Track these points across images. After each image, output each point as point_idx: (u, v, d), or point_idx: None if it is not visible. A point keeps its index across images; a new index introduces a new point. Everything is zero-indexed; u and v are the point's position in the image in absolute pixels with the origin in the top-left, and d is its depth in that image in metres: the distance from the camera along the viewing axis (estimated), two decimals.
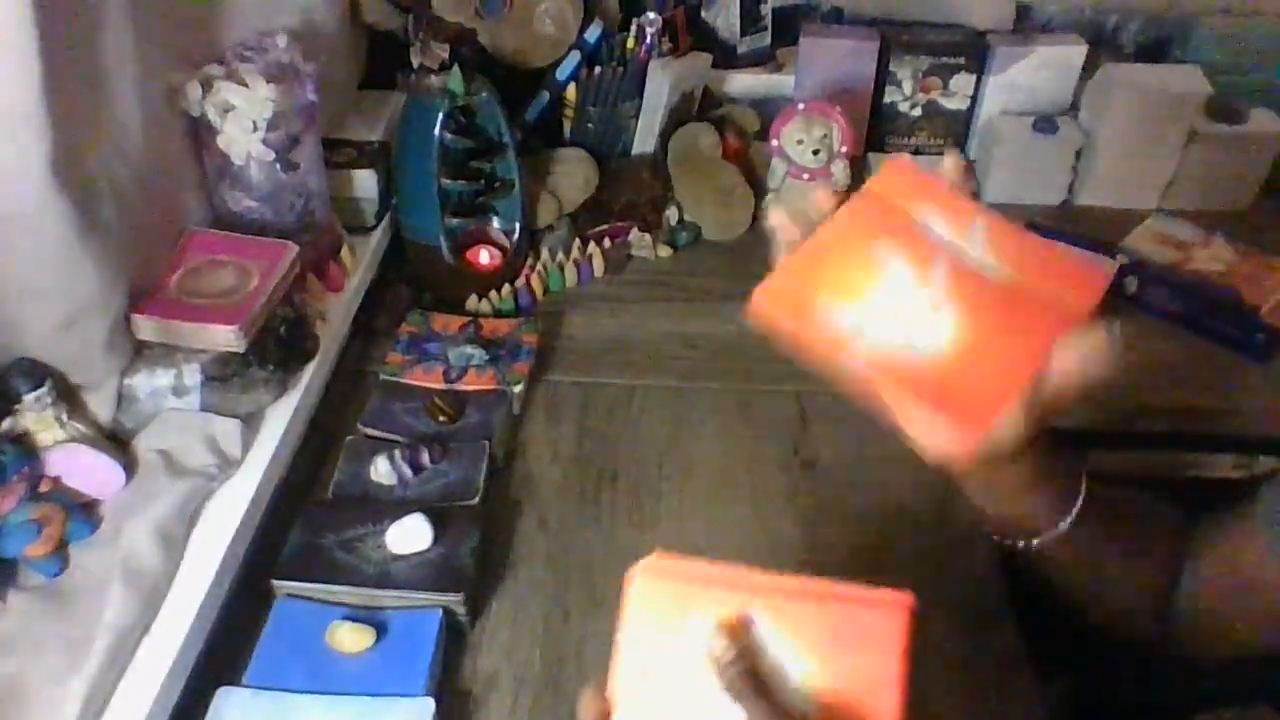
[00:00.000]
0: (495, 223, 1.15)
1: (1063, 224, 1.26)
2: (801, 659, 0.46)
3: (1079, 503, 0.62)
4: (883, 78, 1.38)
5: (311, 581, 0.78)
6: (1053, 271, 0.53)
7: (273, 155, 0.91)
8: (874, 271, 0.54)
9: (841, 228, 0.56)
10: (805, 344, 0.53)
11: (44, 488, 0.75)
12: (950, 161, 0.59)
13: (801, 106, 1.23)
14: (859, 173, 1.36)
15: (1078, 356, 0.52)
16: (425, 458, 0.89)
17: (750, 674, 0.45)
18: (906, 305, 0.53)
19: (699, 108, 1.37)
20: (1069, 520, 0.62)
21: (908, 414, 0.52)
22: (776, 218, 0.57)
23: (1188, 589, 0.67)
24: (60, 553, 0.73)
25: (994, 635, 0.80)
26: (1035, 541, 0.63)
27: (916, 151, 1.42)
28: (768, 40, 1.42)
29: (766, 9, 1.40)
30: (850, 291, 0.53)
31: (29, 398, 0.74)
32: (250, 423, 0.86)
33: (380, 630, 0.75)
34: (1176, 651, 0.70)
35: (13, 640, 0.68)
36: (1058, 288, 0.53)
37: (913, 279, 0.54)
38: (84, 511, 0.76)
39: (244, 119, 0.88)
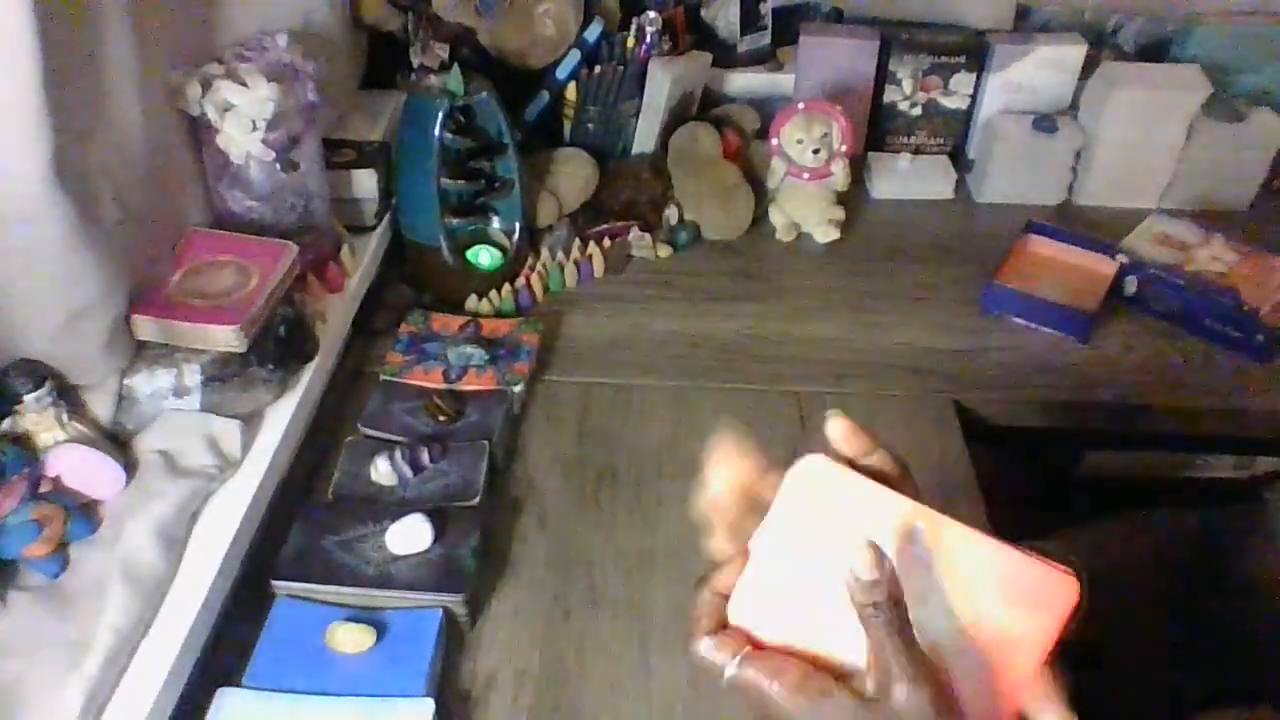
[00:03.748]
0: (495, 223, 1.15)
1: (1063, 223, 1.26)
2: (959, 590, 0.45)
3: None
4: (883, 77, 1.38)
5: (311, 582, 0.78)
6: (1011, 591, 0.45)
7: (272, 155, 0.91)
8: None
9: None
10: None
11: (44, 488, 0.75)
12: (834, 425, 0.49)
13: (801, 106, 1.23)
14: (859, 172, 1.36)
15: None
16: (425, 458, 0.89)
17: (888, 600, 0.43)
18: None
19: (699, 107, 1.37)
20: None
21: None
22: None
23: (1209, 588, 0.67)
24: (60, 553, 0.73)
25: None
26: None
27: (917, 151, 1.41)
28: (767, 39, 1.42)
29: (766, 8, 1.40)
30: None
31: (29, 398, 0.74)
32: (250, 423, 0.86)
33: (380, 631, 0.75)
34: (1200, 647, 0.70)
35: (13, 640, 0.68)
36: (1017, 614, 0.45)
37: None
38: (84, 512, 0.76)
39: (244, 118, 0.88)
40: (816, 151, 1.21)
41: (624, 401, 1.02)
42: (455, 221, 1.11)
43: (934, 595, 0.45)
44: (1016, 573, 0.44)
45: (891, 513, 0.45)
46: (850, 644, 0.45)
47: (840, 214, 1.27)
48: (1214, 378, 1.07)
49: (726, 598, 0.48)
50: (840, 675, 0.45)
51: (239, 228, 0.94)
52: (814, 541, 0.47)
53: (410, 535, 0.80)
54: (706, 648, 0.47)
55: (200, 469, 0.80)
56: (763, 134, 1.30)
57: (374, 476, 0.88)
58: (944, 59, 1.36)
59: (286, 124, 0.91)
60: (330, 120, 1.12)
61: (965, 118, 1.41)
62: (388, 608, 0.77)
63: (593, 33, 1.22)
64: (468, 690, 0.76)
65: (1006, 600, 0.44)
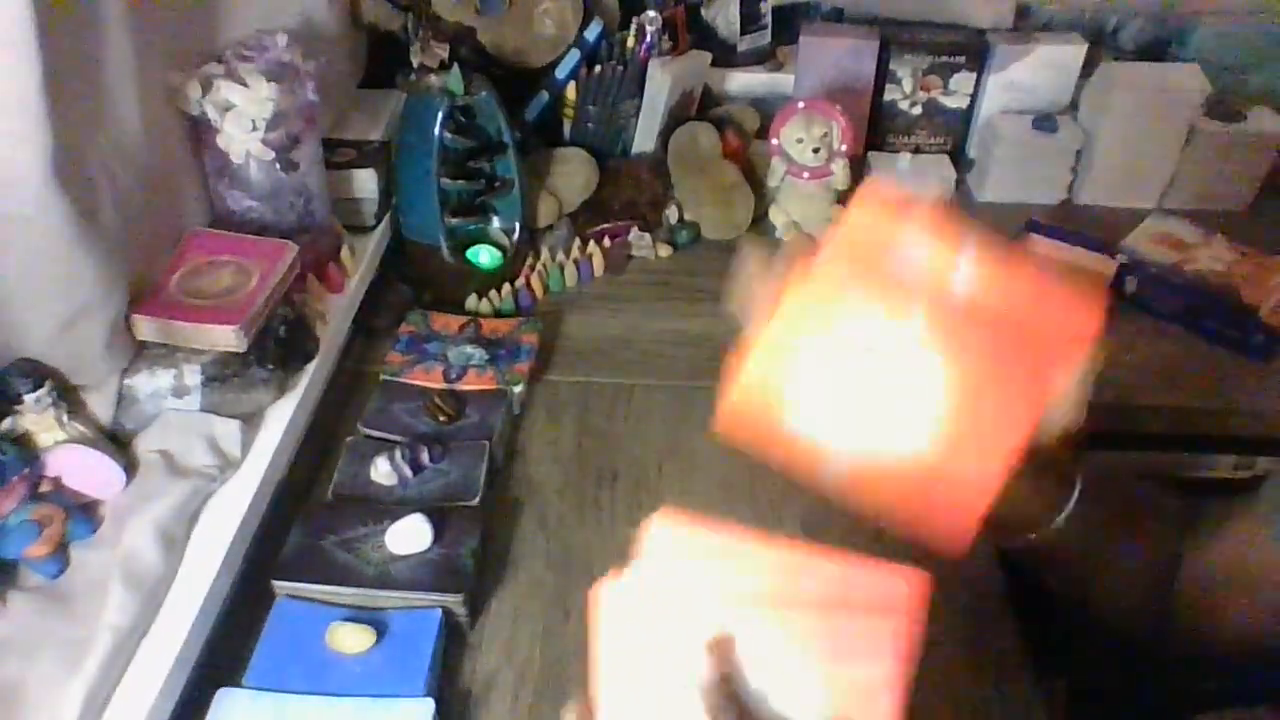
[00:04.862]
0: (495, 222, 1.15)
1: (1062, 223, 1.26)
2: (791, 671, 0.45)
3: (1074, 496, 0.62)
4: (883, 76, 1.38)
5: (311, 582, 0.78)
6: (1044, 311, 0.47)
7: (272, 155, 0.91)
8: (840, 356, 0.48)
9: (807, 298, 0.49)
10: (781, 463, 0.50)
11: (44, 488, 0.75)
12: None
13: (801, 105, 1.23)
14: (859, 172, 1.36)
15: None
16: (425, 458, 0.89)
17: (731, 697, 0.45)
18: (879, 397, 0.48)
19: (699, 106, 1.37)
20: (1064, 515, 0.62)
21: (897, 521, 0.49)
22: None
23: (1188, 572, 0.67)
24: (60, 553, 0.73)
25: (994, 635, 0.80)
26: (1032, 536, 0.63)
27: (917, 150, 1.41)
28: (767, 39, 1.42)
29: (766, 7, 1.40)
30: (817, 390, 0.48)
31: (29, 398, 0.74)
32: (250, 423, 0.86)
33: (380, 631, 0.75)
34: (1172, 636, 0.70)
35: (13, 641, 0.68)
36: (1050, 328, 0.47)
37: (885, 356, 0.48)
38: (84, 512, 0.76)
39: (244, 118, 0.88)
40: (816, 151, 1.21)
41: (624, 401, 1.02)
42: (455, 221, 1.11)
43: (765, 691, 0.45)
44: (831, 632, 0.45)
45: (701, 623, 0.45)
46: None
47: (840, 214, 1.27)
48: (1214, 378, 1.07)
49: None
50: None
51: (239, 227, 0.94)
52: (648, 663, 0.47)
53: (410, 535, 0.80)
54: None
55: (200, 469, 0.80)
56: (763, 133, 1.30)
57: (374, 476, 0.88)
58: (944, 58, 1.36)
59: (286, 124, 0.91)
60: (330, 120, 1.12)
61: (965, 117, 1.41)
62: (388, 608, 0.77)
63: (593, 32, 1.21)
64: (468, 690, 0.76)
65: (835, 663, 0.45)
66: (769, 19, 1.41)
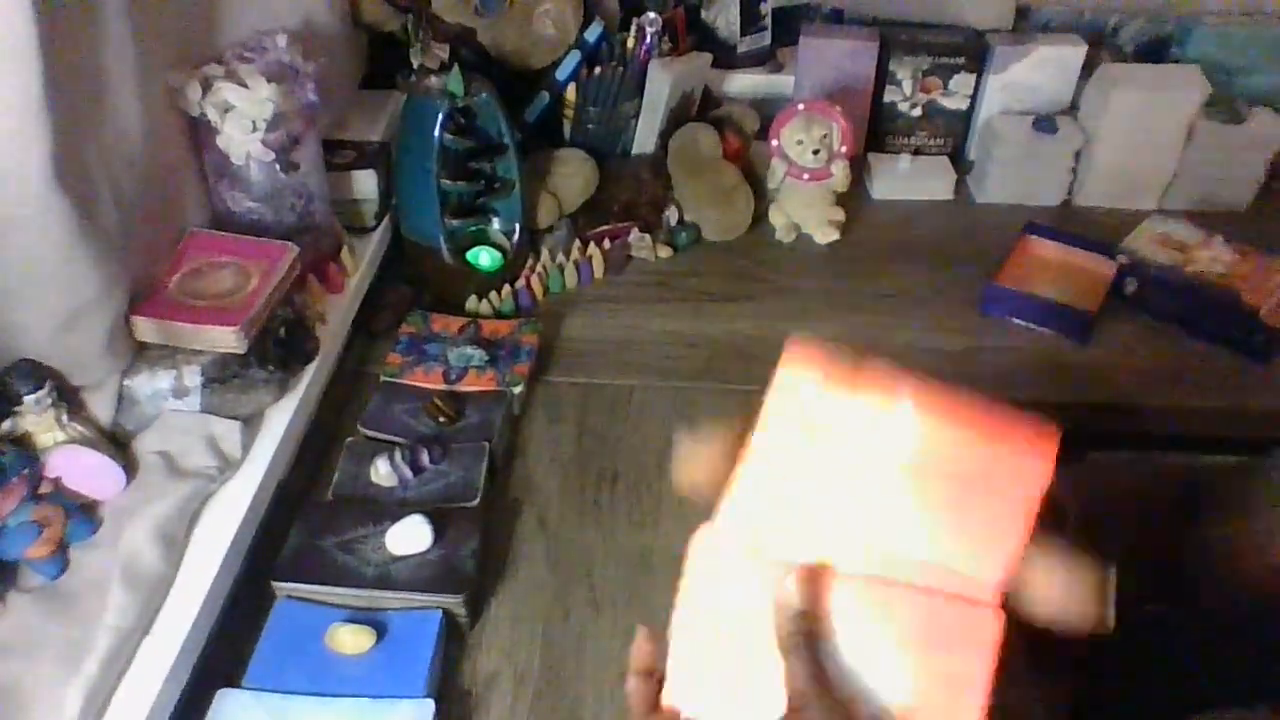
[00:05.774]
0: (495, 223, 1.15)
1: (1063, 224, 1.26)
2: (883, 645, 0.45)
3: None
4: (883, 77, 1.39)
5: (311, 583, 0.78)
6: (992, 460, 0.45)
7: (272, 155, 0.91)
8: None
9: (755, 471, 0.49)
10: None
11: (44, 489, 0.75)
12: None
13: (801, 106, 1.23)
14: (859, 173, 1.36)
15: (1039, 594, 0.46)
16: (425, 459, 0.89)
17: (808, 633, 0.43)
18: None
19: (699, 108, 1.37)
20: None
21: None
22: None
23: (1190, 557, 0.67)
24: (60, 554, 0.73)
25: None
26: None
27: (917, 151, 1.41)
28: (768, 40, 1.42)
29: (766, 9, 1.40)
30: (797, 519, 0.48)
31: (29, 399, 0.74)
32: (250, 424, 0.86)
33: (380, 631, 0.75)
34: (1178, 613, 0.70)
35: (13, 642, 0.68)
36: (1000, 477, 0.45)
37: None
38: (84, 513, 0.76)
39: (244, 119, 0.88)
40: (816, 152, 1.21)
41: (624, 402, 1.02)
42: (455, 222, 1.11)
43: (852, 657, 0.45)
44: (928, 616, 0.44)
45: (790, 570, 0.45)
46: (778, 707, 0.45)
47: (840, 215, 1.27)
48: (1214, 378, 1.07)
49: (651, 676, 0.48)
50: None
51: (239, 228, 0.94)
52: (731, 611, 0.47)
53: (410, 536, 0.80)
54: None
55: (200, 470, 0.80)
56: (763, 135, 1.30)
57: (374, 477, 0.88)
58: (944, 59, 1.36)
59: (286, 124, 0.91)
60: (330, 120, 1.12)
61: (965, 118, 1.41)
62: (388, 608, 0.77)
63: (593, 33, 1.22)
64: (468, 690, 0.76)
65: (928, 649, 0.44)
66: (769, 20, 1.41)
